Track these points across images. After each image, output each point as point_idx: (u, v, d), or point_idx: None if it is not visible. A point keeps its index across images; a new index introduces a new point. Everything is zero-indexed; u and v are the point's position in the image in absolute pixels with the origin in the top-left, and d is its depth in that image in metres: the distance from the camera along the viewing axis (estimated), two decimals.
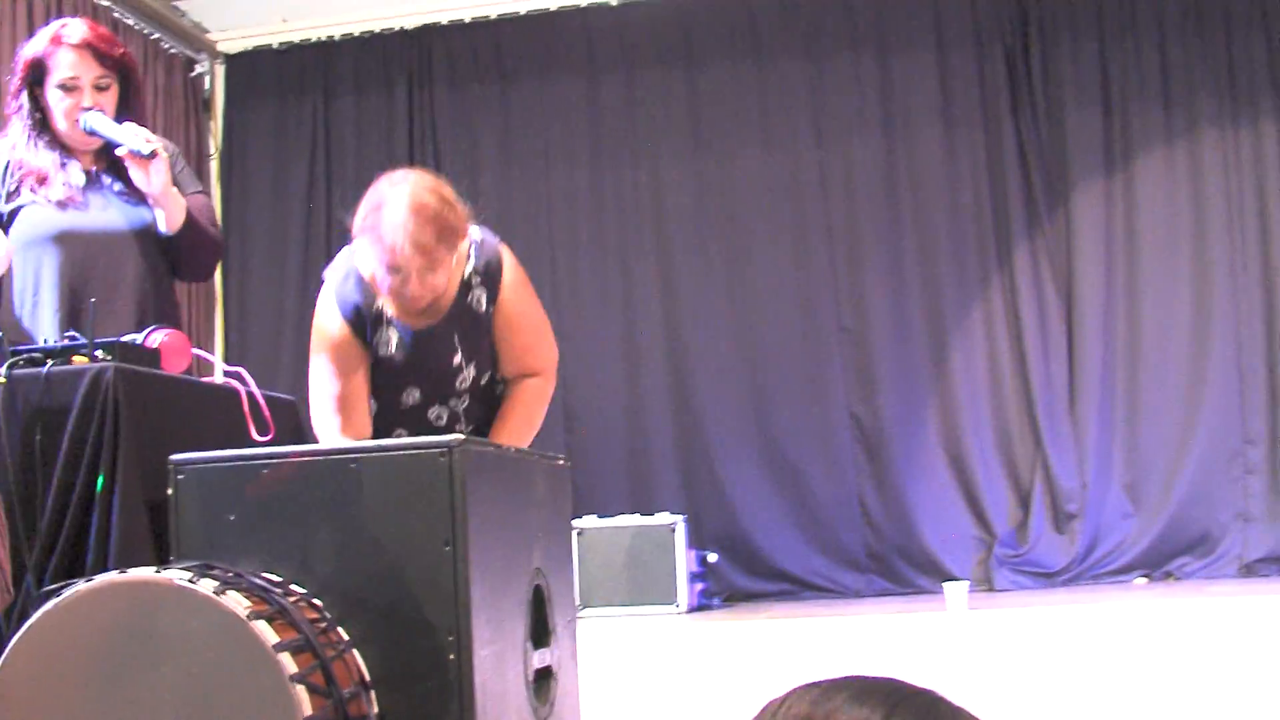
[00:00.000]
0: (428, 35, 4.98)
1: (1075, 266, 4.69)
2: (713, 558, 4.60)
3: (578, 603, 3.99)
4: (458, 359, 2.16)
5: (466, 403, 2.23)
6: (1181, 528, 4.59)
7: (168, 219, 2.19)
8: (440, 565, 1.57)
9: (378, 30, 5.00)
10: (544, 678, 1.87)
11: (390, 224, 1.96)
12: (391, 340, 2.14)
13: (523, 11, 4.93)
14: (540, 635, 1.87)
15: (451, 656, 1.56)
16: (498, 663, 1.66)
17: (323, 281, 2.22)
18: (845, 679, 0.85)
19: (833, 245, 4.74)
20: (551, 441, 3.61)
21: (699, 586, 4.49)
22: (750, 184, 4.76)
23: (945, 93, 4.76)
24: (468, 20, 4.97)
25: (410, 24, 4.98)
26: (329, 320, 2.12)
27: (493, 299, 2.18)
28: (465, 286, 2.15)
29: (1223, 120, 4.65)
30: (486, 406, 2.25)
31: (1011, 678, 3.20)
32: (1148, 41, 4.71)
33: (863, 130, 4.76)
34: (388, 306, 2.10)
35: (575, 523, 4.29)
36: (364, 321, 2.12)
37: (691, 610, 4.38)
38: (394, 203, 1.97)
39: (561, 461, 2.12)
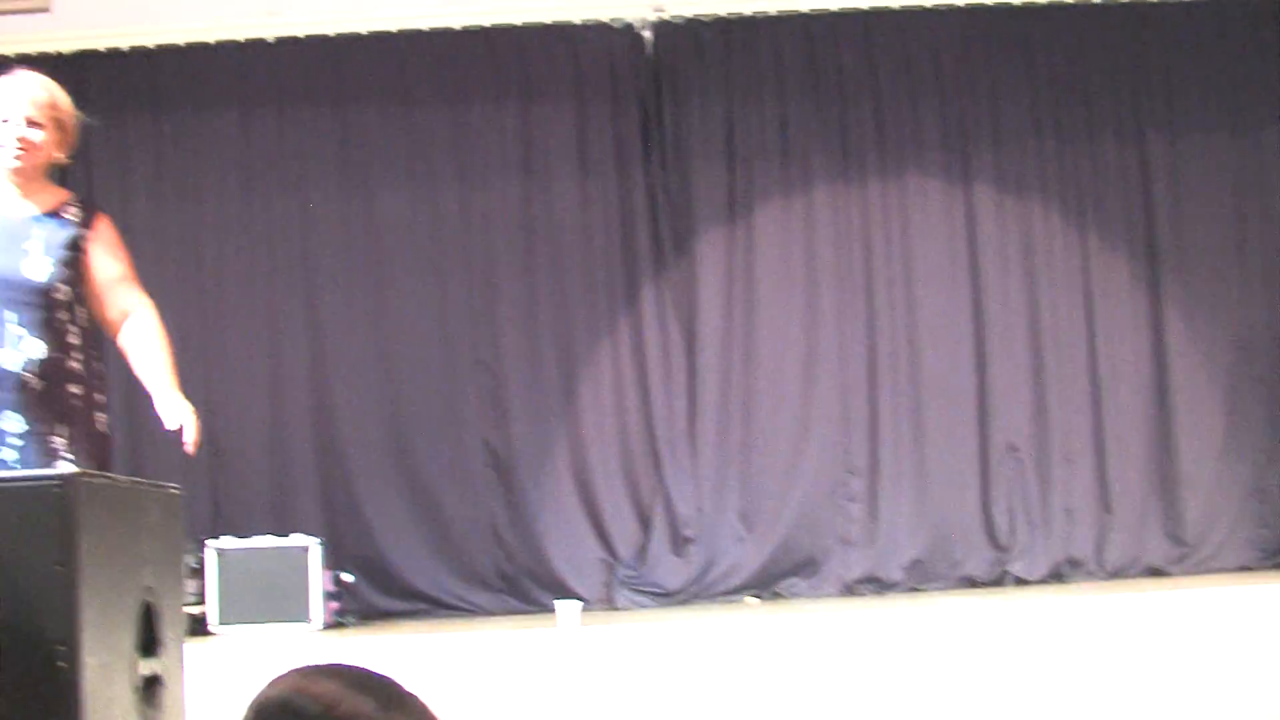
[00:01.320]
0: (84, 61, 6.52)
1: (697, 308, 6.58)
2: (348, 578, 6.24)
3: (217, 620, 5.58)
4: (33, 266, 2.98)
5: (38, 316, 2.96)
6: (789, 551, 6.50)
7: None
8: (52, 583, 2.19)
9: (33, 53, 6.52)
10: (152, 684, 2.58)
11: (4, 79, 3.02)
12: None
13: (182, 44, 6.55)
14: (149, 646, 2.56)
15: (62, 664, 2.16)
16: (105, 671, 2.31)
17: None
18: (335, 666, 1.28)
19: (471, 282, 6.51)
20: (197, 464, 5.08)
21: (333, 605, 6.11)
22: (394, 221, 6.51)
23: (582, 142, 6.61)
24: (126, 49, 6.56)
25: (67, 48, 6.51)
26: None
27: (88, 223, 3.07)
28: (61, 207, 3.06)
29: (834, 177, 6.62)
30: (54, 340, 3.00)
31: (615, 690, 4.49)
32: (770, 104, 6.67)
33: (503, 173, 6.56)
34: None
35: (213, 543, 5.92)
36: None
37: (326, 628, 5.98)
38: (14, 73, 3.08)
39: (175, 490, 2.89)
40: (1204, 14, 6.87)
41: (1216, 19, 6.88)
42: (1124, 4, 6.86)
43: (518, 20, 6.69)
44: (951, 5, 6.78)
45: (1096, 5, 6.85)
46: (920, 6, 6.77)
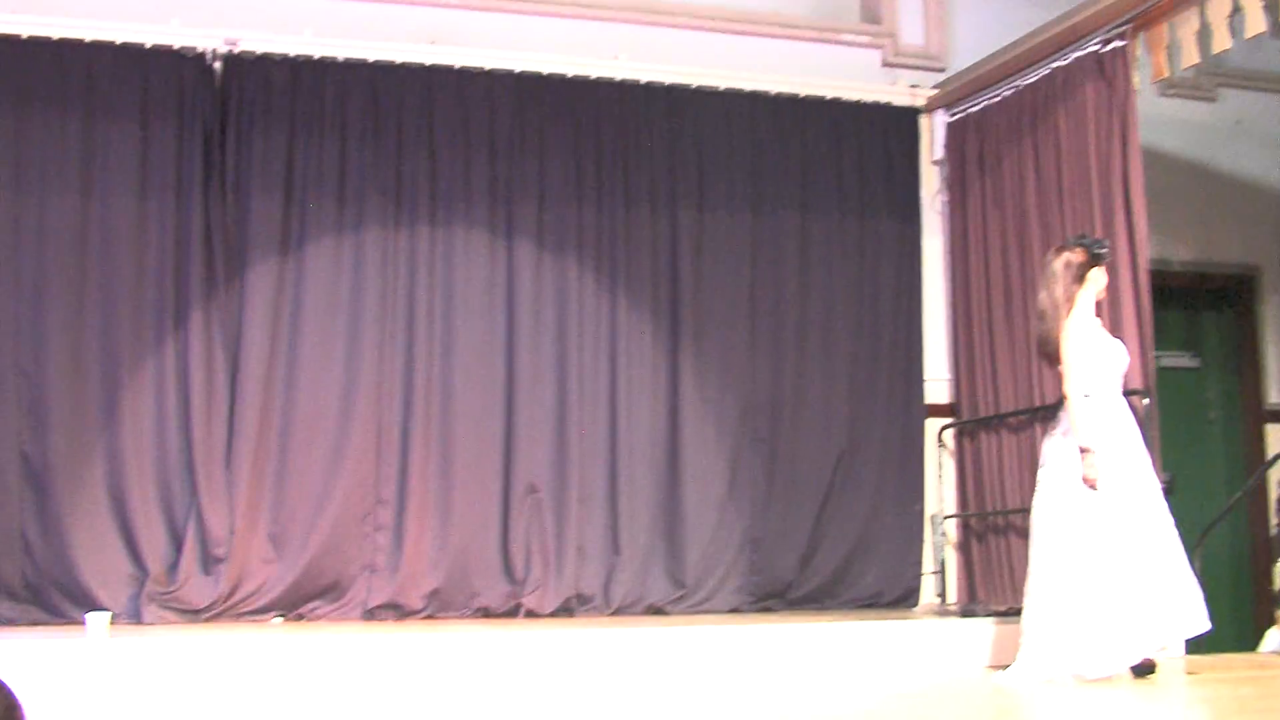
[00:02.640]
0: None
1: (243, 335, 8.88)
2: None
3: None
4: None
5: None
6: (316, 575, 8.83)
7: None
8: None
9: None
10: None
11: None
12: None
13: None
14: None
15: None
16: None
17: None
18: None
19: (19, 290, 8.57)
20: None
21: None
22: None
23: (144, 163, 8.86)
24: None
25: None
26: None
27: None
28: None
29: (385, 222, 9.05)
30: None
31: (141, 702, 6.24)
32: (331, 146, 9.05)
33: (60, 186, 8.67)
34: None
35: None
36: None
37: None
38: None
39: None
40: (735, 103, 9.79)
41: (746, 109, 9.83)
42: (666, 87, 9.68)
43: (87, 37, 8.81)
44: (508, 70, 9.38)
45: (641, 85, 9.65)
46: (480, 69, 9.33)
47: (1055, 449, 7.07)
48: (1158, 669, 6.92)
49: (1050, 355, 7.18)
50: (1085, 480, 6.80)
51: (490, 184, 9.35)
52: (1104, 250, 7.26)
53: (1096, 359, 7.06)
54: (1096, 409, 6.96)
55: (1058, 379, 7.20)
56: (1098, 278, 7.19)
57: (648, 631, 7.98)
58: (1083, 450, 6.82)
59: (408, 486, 9.03)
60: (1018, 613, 7.22)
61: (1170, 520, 7.02)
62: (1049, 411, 7.31)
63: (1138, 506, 6.88)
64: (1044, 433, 7.31)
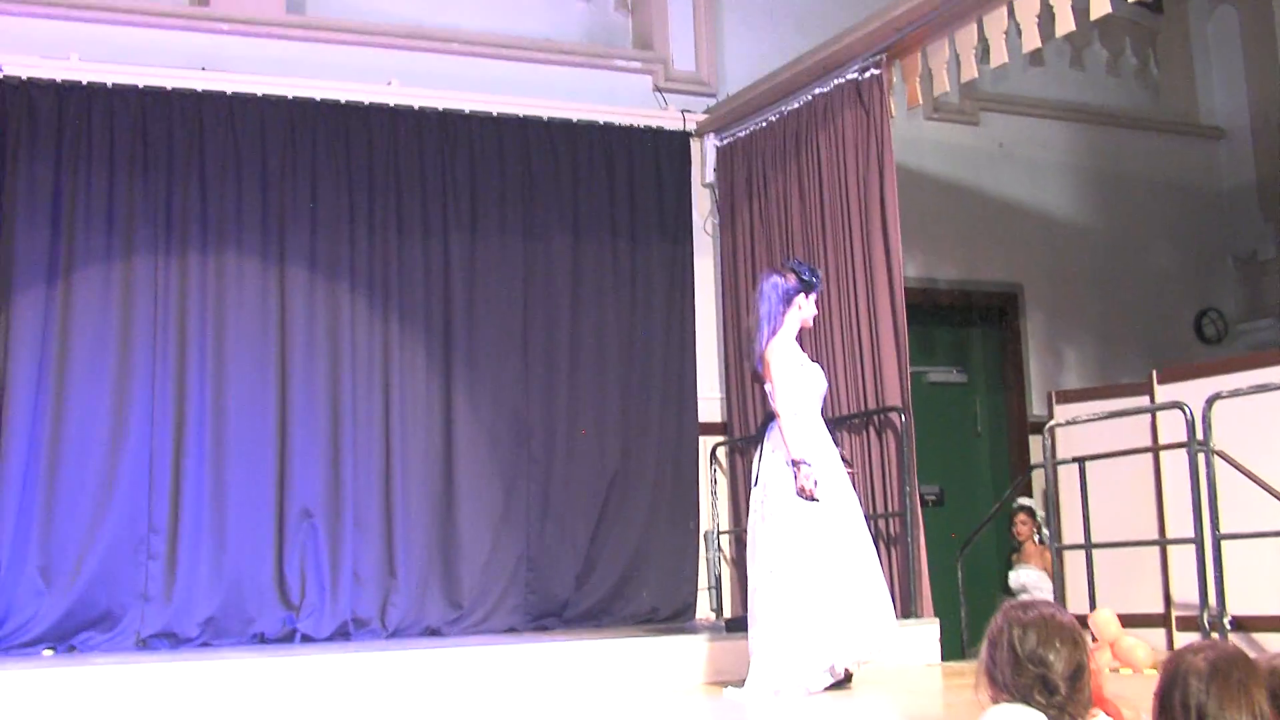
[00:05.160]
0: None
1: (10, 365, 8.82)
2: None
3: None
4: None
5: None
6: (88, 605, 8.75)
7: None
8: None
9: None
10: None
11: None
12: None
13: None
14: None
15: None
16: None
17: None
18: None
19: None
20: None
21: None
22: None
23: None
24: None
25: None
26: None
27: None
28: None
29: (155, 249, 9.03)
30: None
31: None
32: (99, 172, 9.02)
33: None
34: None
35: None
36: None
37: None
38: None
39: None
40: (508, 129, 9.96)
41: (519, 134, 9.99)
42: (439, 112, 9.80)
43: None
44: (281, 96, 9.43)
45: (414, 111, 9.74)
46: (251, 95, 9.37)
47: (766, 467, 7.24)
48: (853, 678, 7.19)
49: (758, 374, 7.43)
50: (801, 492, 6.96)
51: (262, 211, 9.37)
52: (814, 280, 7.45)
53: (803, 381, 7.29)
54: (805, 425, 7.17)
55: (765, 399, 7.43)
56: (805, 305, 7.40)
57: (424, 654, 8.04)
58: (796, 464, 7.00)
59: (181, 514, 8.98)
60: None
61: (869, 537, 7.34)
62: (761, 431, 7.52)
63: (843, 523, 7.12)
64: (755, 453, 7.49)
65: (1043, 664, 3.43)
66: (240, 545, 9.07)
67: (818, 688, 6.97)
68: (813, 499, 6.96)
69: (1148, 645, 7.89)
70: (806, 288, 7.38)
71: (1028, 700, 3.44)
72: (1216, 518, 7.44)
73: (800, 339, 7.47)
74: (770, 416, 7.30)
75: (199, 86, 9.35)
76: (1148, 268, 12.78)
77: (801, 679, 6.94)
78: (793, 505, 7.03)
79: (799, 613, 6.96)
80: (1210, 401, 7.47)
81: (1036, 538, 10.65)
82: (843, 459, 7.42)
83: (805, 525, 7.02)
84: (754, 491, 7.33)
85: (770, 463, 7.22)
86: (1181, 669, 3.36)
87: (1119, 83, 13.28)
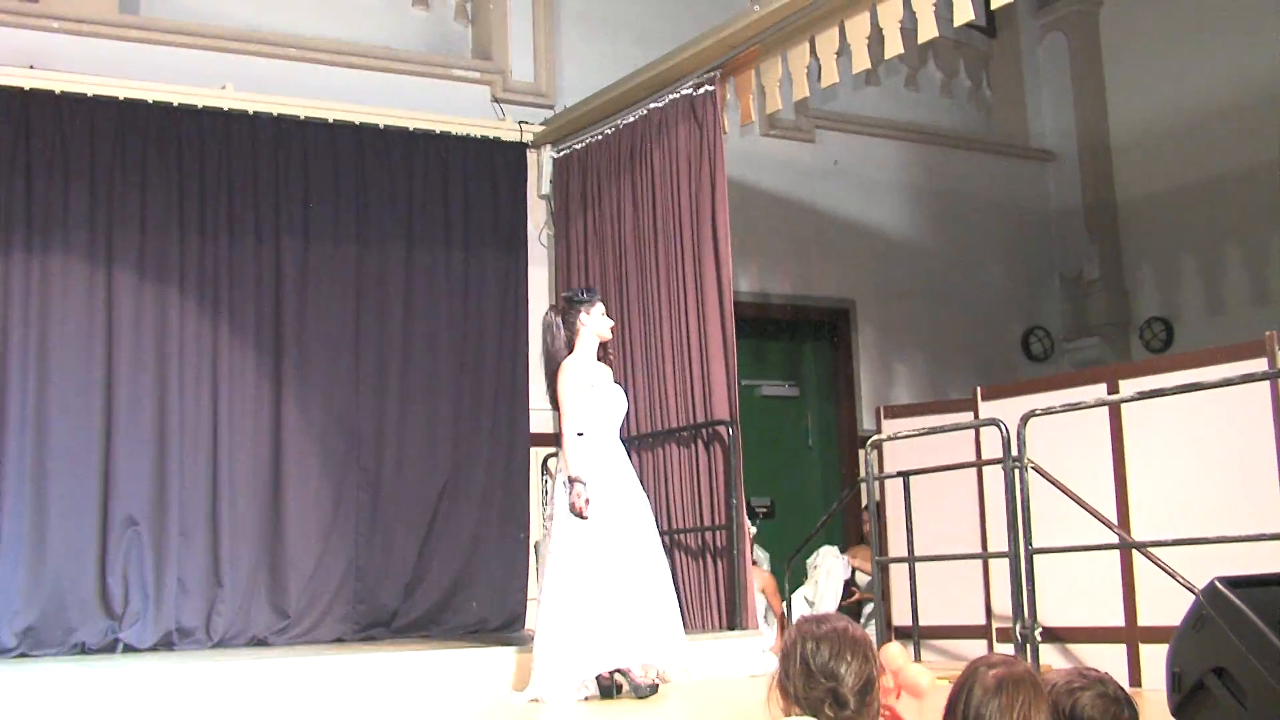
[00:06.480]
0: None
1: None
2: None
3: None
4: None
5: None
6: None
7: None
8: None
9: None
10: None
11: None
12: None
13: None
14: None
15: None
16: None
17: None
18: None
19: None
20: None
21: None
22: None
23: None
24: None
25: None
26: None
27: None
28: None
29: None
30: None
31: None
32: None
33: None
34: None
35: None
36: None
37: None
38: None
39: None
40: (343, 135, 9.90)
41: (354, 141, 9.94)
42: (274, 117, 9.73)
43: None
44: (112, 97, 9.29)
45: (249, 115, 9.65)
46: (81, 95, 9.22)
47: (556, 488, 7.48)
48: (659, 689, 7.32)
49: (553, 400, 7.59)
50: (573, 508, 7.19)
51: (90, 212, 9.17)
52: (584, 295, 7.63)
53: (594, 402, 7.47)
54: (589, 446, 7.37)
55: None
56: (590, 320, 7.56)
57: (249, 663, 7.94)
58: (571, 480, 7.23)
59: None
60: None
61: (661, 553, 7.55)
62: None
63: (628, 538, 7.30)
64: (549, 471, 7.64)
65: (834, 677, 3.51)
66: (61, 554, 8.87)
67: (579, 696, 7.16)
68: (582, 516, 7.16)
69: (930, 673, 8.03)
70: (583, 304, 7.55)
71: (817, 713, 3.51)
72: (1029, 532, 7.61)
73: (615, 354, 7.61)
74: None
75: (26, 85, 9.16)
76: (978, 286, 13.08)
77: (563, 687, 7.12)
78: (566, 521, 7.25)
79: (561, 622, 7.15)
80: (1025, 419, 7.64)
81: None
82: None
83: (575, 541, 7.22)
84: (544, 510, 7.50)
85: (559, 484, 7.43)
86: (970, 680, 3.47)
87: (953, 104, 13.58)
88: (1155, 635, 7.95)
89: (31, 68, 9.25)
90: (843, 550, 10.98)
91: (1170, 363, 8.73)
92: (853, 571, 10.81)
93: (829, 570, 10.44)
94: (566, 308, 7.57)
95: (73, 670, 7.80)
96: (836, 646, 3.54)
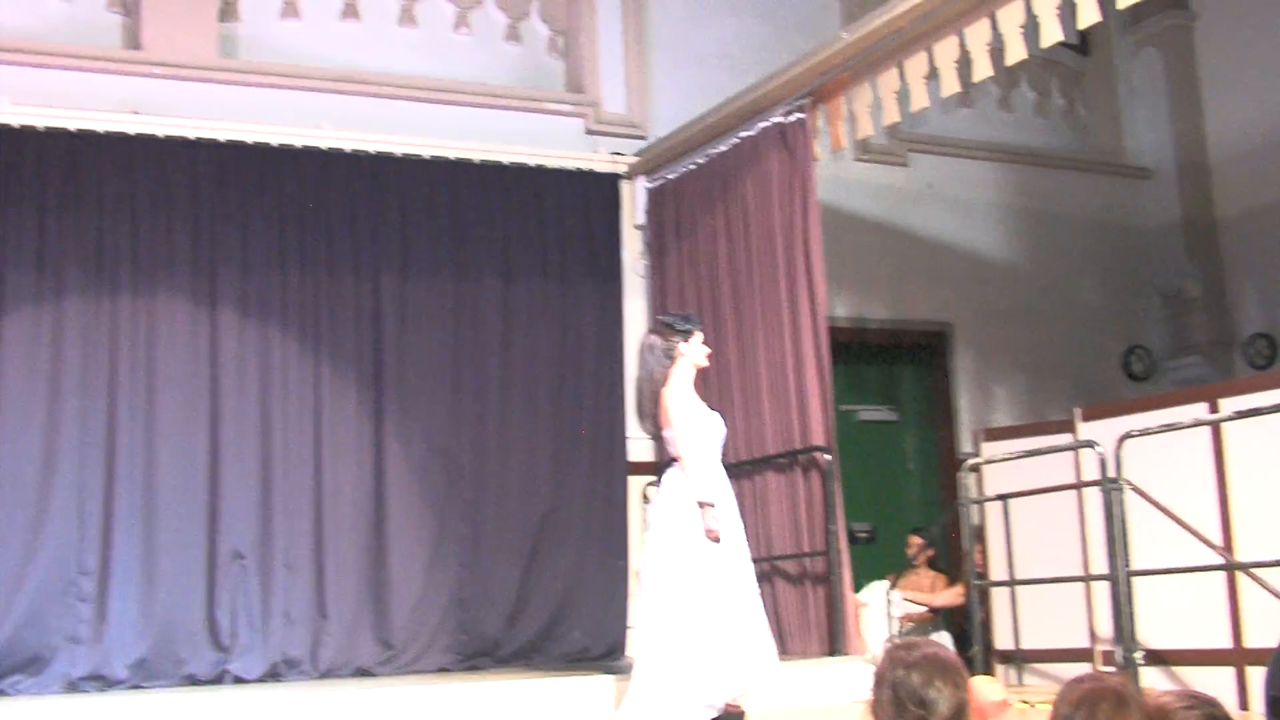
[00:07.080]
0: None
1: None
2: None
3: None
4: None
5: None
6: (17, 648, 8.74)
7: None
8: None
9: None
10: None
11: None
12: None
13: None
14: None
15: None
16: None
17: None
18: None
19: None
20: None
21: None
22: None
23: None
24: None
25: None
26: None
27: None
28: None
29: (86, 290, 9.06)
30: None
31: None
32: (30, 215, 9.06)
33: None
34: None
35: None
36: None
37: None
38: None
39: None
40: (439, 171, 10.05)
41: (450, 177, 10.09)
42: (371, 155, 9.89)
43: None
44: (212, 140, 9.49)
45: (346, 154, 9.81)
46: (183, 138, 9.42)
47: (665, 511, 7.29)
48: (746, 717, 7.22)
49: (650, 428, 7.53)
50: (707, 534, 7.03)
51: (193, 253, 9.40)
52: (687, 325, 7.53)
53: (699, 427, 7.36)
54: (708, 468, 7.26)
55: (663, 446, 7.51)
56: (690, 351, 7.47)
57: (355, 693, 8.09)
58: (703, 505, 7.07)
59: (111, 555, 8.98)
60: None
61: (754, 580, 7.36)
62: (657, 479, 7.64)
63: (744, 563, 7.23)
64: (649, 499, 7.55)
65: (924, 705, 3.53)
66: (171, 587, 9.07)
67: None
68: (717, 540, 7.03)
69: (1003, 689, 7.96)
70: (683, 335, 7.49)
71: None
72: (1127, 554, 7.56)
73: (712, 382, 7.58)
74: (668, 462, 7.43)
75: (131, 129, 9.39)
76: (1075, 305, 12.98)
77: (680, 714, 6.99)
78: (693, 545, 7.07)
79: (684, 650, 7.00)
80: (1121, 440, 7.60)
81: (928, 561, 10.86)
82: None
83: (706, 565, 7.07)
84: (646, 534, 7.44)
85: (669, 507, 7.25)
86: (1061, 699, 3.50)
87: (1046, 123, 13.52)
88: (1263, 657, 7.84)
89: (135, 113, 9.48)
90: (897, 579, 10.88)
91: (1272, 380, 8.63)
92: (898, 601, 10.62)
93: (870, 605, 10.28)
94: (666, 334, 7.51)
95: (183, 700, 7.98)
96: (927, 674, 3.56)
